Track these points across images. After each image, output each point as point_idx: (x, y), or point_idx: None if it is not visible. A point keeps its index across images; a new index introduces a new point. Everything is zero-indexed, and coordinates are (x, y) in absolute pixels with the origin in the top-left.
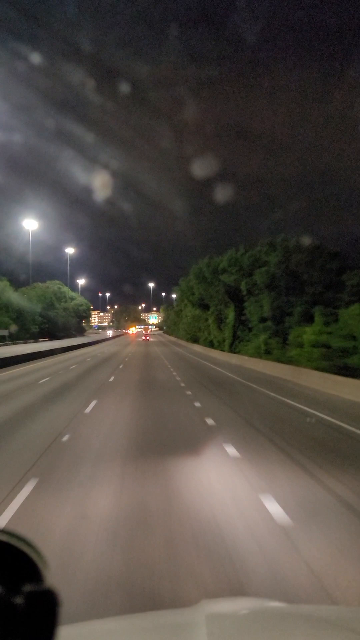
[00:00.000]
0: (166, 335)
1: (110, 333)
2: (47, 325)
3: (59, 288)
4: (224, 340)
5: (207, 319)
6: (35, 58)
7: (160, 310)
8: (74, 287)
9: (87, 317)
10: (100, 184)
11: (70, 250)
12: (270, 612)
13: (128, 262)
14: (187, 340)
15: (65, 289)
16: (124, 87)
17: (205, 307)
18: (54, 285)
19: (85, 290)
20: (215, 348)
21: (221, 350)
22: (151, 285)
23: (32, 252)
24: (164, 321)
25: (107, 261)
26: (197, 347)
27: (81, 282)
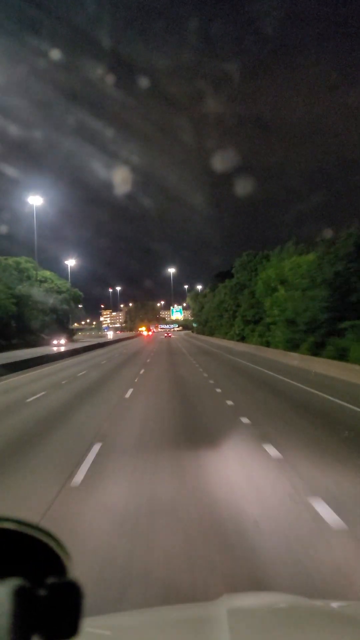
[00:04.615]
0: (200, 337)
1: (59, 343)
2: None
3: (18, 264)
4: None
5: None
6: (56, 54)
7: (188, 299)
8: (61, 272)
9: (71, 312)
10: (119, 179)
11: (36, 201)
12: (293, 607)
13: (146, 258)
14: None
15: (29, 265)
16: (144, 82)
17: None
18: (14, 261)
19: (98, 287)
20: None
21: None
22: (172, 270)
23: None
24: (196, 315)
25: (122, 256)
26: None
27: (71, 263)
